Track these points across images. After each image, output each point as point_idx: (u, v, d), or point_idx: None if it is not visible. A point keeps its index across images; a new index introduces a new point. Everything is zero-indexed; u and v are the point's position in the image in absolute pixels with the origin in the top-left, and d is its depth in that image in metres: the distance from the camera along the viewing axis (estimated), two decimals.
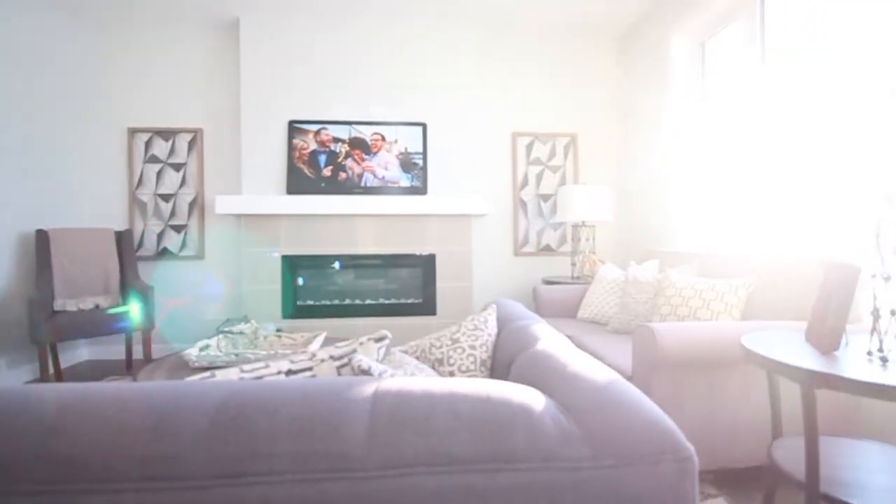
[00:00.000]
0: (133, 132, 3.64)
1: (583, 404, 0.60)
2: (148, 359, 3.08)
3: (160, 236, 3.67)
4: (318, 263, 3.64)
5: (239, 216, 3.63)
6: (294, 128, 3.60)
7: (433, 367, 1.00)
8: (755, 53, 2.45)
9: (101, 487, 0.51)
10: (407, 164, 3.67)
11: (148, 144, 3.65)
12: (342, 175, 3.61)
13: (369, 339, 0.98)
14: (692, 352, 1.58)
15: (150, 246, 3.66)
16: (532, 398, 0.61)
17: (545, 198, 3.94)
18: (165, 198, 3.67)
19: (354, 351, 0.96)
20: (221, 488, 0.51)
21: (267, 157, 3.60)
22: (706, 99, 3.00)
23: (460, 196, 3.68)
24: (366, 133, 3.66)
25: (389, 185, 3.64)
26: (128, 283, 3.23)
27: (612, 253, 3.96)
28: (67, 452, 0.51)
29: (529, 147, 3.93)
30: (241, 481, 0.52)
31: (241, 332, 2.09)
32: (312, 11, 3.56)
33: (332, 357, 0.95)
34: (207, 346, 2.08)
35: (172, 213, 3.68)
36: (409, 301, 3.73)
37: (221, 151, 3.76)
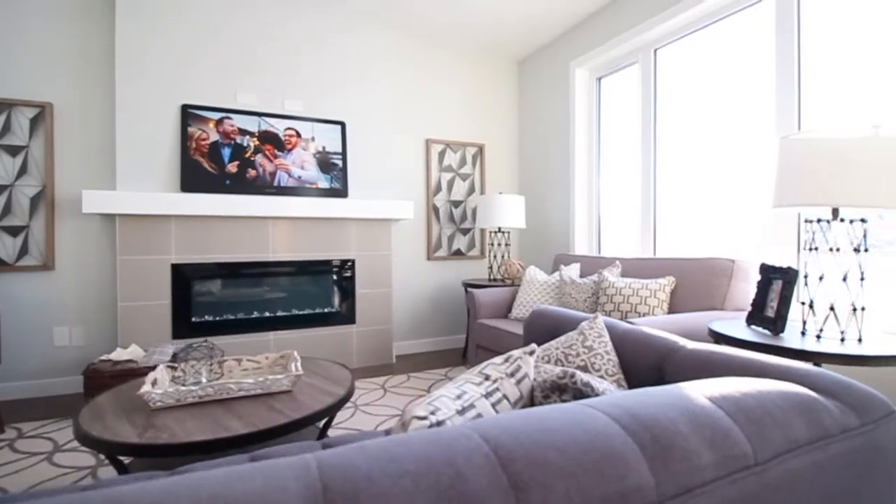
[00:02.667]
0: None
1: (823, 386, 0.78)
2: None
3: None
4: (219, 273, 3.17)
5: (112, 216, 2.95)
6: (189, 114, 3.06)
7: None
8: (649, 88, 3.04)
9: None
10: (325, 164, 3.45)
11: None
12: (251, 172, 3.22)
13: (524, 353, 1.00)
14: None
15: None
16: (797, 387, 0.76)
17: (456, 204, 4.13)
18: None
19: (519, 367, 0.98)
20: None
21: (153, 145, 2.99)
22: (604, 125, 3.57)
23: (377, 199, 3.62)
24: (278, 127, 3.33)
25: (307, 185, 3.38)
26: None
27: (519, 257, 4.36)
28: None
29: (442, 154, 4.07)
30: (687, 496, 0.55)
31: (199, 358, 1.75)
32: None
33: (507, 374, 0.95)
34: (155, 381, 1.69)
35: (6, 211, 2.77)
36: (326, 310, 3.52)
37: (83, 134, 2.98)
